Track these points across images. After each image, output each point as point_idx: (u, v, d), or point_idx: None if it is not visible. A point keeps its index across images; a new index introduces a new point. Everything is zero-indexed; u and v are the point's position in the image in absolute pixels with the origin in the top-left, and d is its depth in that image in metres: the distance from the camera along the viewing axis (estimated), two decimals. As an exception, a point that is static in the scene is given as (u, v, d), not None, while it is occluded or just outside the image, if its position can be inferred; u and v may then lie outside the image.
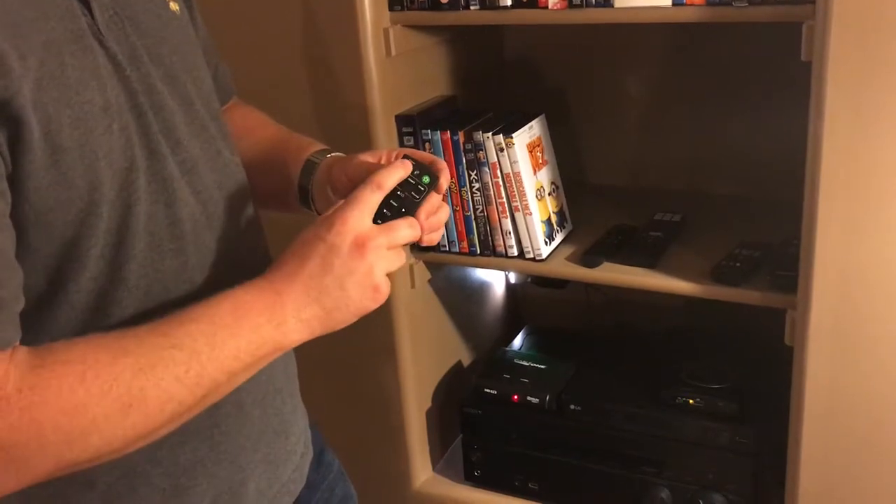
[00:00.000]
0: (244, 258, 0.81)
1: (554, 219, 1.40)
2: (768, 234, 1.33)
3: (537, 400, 1.43)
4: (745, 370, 1.38)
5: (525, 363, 1.51)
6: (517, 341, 1.64)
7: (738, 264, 1.26)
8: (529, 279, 1.76)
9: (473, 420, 1.48)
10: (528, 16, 1.25)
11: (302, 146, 0.93)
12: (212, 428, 0.78)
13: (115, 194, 0.68)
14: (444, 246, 1.42)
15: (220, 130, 0.82)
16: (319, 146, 0.93)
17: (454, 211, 1.39)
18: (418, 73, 1.42)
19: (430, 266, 1.49)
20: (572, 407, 1.41)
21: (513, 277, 1.81)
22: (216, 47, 0.98)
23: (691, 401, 1.34)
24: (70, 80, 0.65)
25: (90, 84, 0.66)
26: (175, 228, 0.73)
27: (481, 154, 1.33)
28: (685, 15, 1.15)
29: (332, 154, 0.92)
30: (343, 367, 1.50)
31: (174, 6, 0.81)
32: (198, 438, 0.77)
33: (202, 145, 0.78)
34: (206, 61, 0.89)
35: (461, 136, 1.34)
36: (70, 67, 0.65)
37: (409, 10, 1.31)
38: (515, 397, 1.44)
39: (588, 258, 1.34)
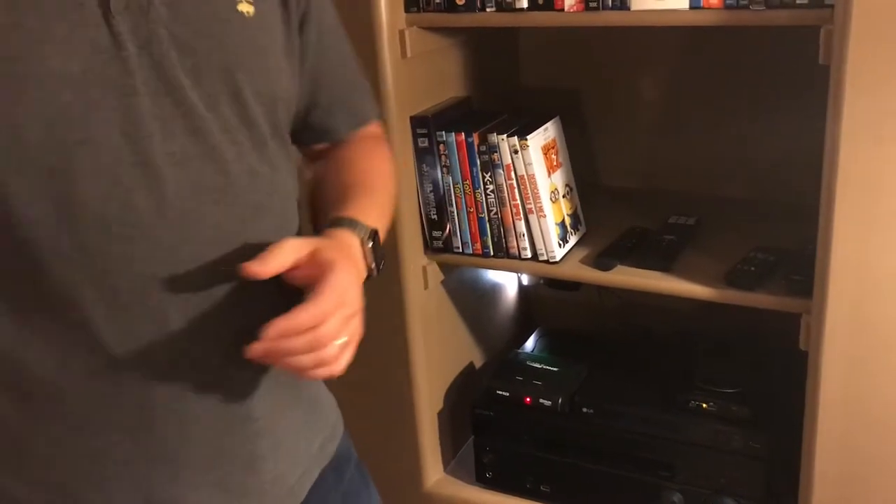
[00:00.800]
0: (210, 275, 0.75)
1: (568, 221, 1.40)
2: (784, 238, 1.33)
3: (550, 402, 1.43)
4: (759, 375, 1.38)
5: (537, 365, 1.51)
6: (529, 343, 1.64)
7: (752, 268, 1.26)
8: (542, 281, 1.76)
9: (485, 421, 1.48)
10: (544, 18, 1.25)
11: (346, 207, 0.86)
12: (144, 431, 0.77)
13: (54, 161, 0.67)
14: (458, 247, 1.42)
15: (252, 140, 0.78)
16: (348, 216, 0.85)
17: (468, 212, 1.39)
18: (433, 75, 1.43)
19: (444, 267, 1.49)
20: (585, 410, 1.41)
21: (525, 279, 1.81)
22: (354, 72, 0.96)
23: (704, 405, 1.34)
24: (21, 41, 0.66)
25: (46, 50, 0.67)
26: (128, 214, 0.71)
27: (496, 156, 1.33)
28: (702, 18, 1.15)
29: (342, 229, 0.84)
30: (355, 367, 1.49)
31: (245, 8, 0.78)
32: (129, 439, 0.76)
33: (208, 146, 0.75)
34: (329, 83, 0.90)
35: (475, 138, 1.34)
36: (30, 30, 0.66)
37: (425, 11, 1.32)
38: (528, 399, 1.44)
39: (602, 261, 1.34)
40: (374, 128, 1.01)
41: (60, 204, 0.69)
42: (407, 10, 1.32)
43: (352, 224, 0.83)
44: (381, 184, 0.94)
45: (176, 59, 0.72)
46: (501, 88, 1.63)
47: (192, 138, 0.74)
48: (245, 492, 0.83)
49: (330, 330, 0.73)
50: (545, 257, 1.36)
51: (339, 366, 0.76)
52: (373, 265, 0.84)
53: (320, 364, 0.74)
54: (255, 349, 0.71)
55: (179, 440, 0.78)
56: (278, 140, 0.83)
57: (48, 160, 0.68)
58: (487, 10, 1.28)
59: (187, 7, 0.74)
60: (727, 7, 1.13)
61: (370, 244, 0.83)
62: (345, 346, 0.76)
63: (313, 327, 0.72)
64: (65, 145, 0.68)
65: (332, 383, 0.96)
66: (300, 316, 0.71)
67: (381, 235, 0.88)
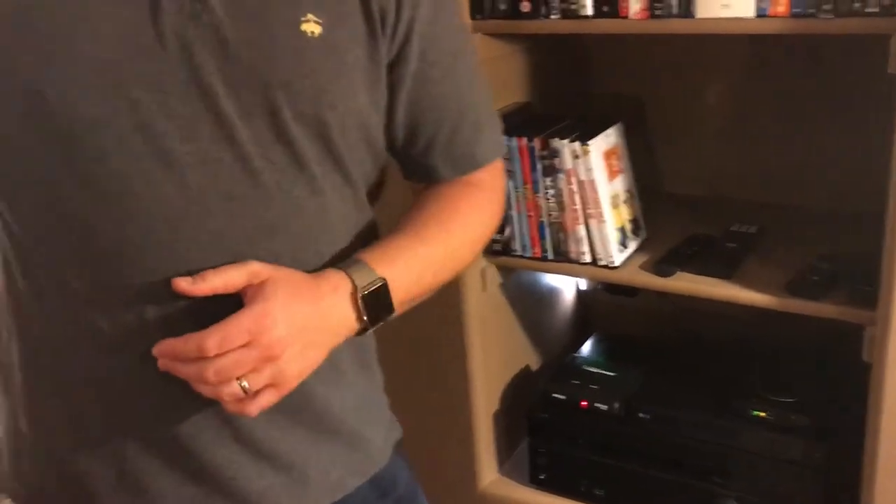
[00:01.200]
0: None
1: (628, 227, 1.40)
2: (848, 247, 1.31)
3: (606, 407, 1.43)
4: (820, 385, 1.37)
5: (594, 370, 1.51)
6: (586, 348, 1.65)
7: (815, 277, 1.24)
8: (600, 286, 1.76)
9: (541, 424, 1.49)
10: (609, 25, 1.25)
11: (371, 249, 0.83)
12: (122, 407, 0.80)
13: (65, 133, 0.71)
14: (517, 251, 1.43)
15: (288, 158, 0.77)
16: (362, 259, 0.80)
17: (528, 216, 1.40)
18: (496, 80, 1.44)
19: (502, 270, 1.51)
20: (641, 415, 1.41)
21: (583, 284, 1.81)
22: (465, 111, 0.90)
23: (762, 413, 1.33)
24: (60, 22, 0.70)
25: (81, 35, 0.70)
26: (126, 201, 0.73)
27: (557, 161, 1.34)
28: (769, 27, 1.14)
29: (338, 271, 0.79)
30: (413, 366, 1.53)
31: (310, 28, 0.76)
32: (107, 412, 0.80)
33: (233, 154, 0.75)
34: (429, 120, 0.86)
35: (537, 143, 1.36)
36: (72, 15, 0.70)
37: (490, 18, 1.33)
38: (584, 403, 1.45)
39: (662, 267, 1.34)
40: (483, 174, 0.93)
41: (69, 174, 0.73)
42: (472, 16, 1.34)
43: (358, 268, 0.79)
44: (442, 234, 0.87)
45: (214, 66, 0.73)
46: (564, 94, 1.64)
47: (217, 144, 0.74)
48: (225, 493, 0.82)
49: (221, 365, 0.70)
50: (604, 262, 1.37)
51: (246, 408, 0.72)
52: (364, 317, 0.78)
53: (218, 398, 0.72)
54: (159, 364, 0.73)
55: (152, 423, 0.79)
56: (332, 165, 0.80)
57: (61, 131, 0.71)
58: (552, 17, 1.29)
59: (246, 17, 0.74)
60: (794, 16, 1.12)
61: (363, 293, 0.77)
62: (253, 390, 0.71)
63: (202, 357, 0.70)
64: (76, 122, 0.71)
65: (389, 378, 0.98)
66: (177, 342, 0.71)
67: (409, 289, 0.82)
